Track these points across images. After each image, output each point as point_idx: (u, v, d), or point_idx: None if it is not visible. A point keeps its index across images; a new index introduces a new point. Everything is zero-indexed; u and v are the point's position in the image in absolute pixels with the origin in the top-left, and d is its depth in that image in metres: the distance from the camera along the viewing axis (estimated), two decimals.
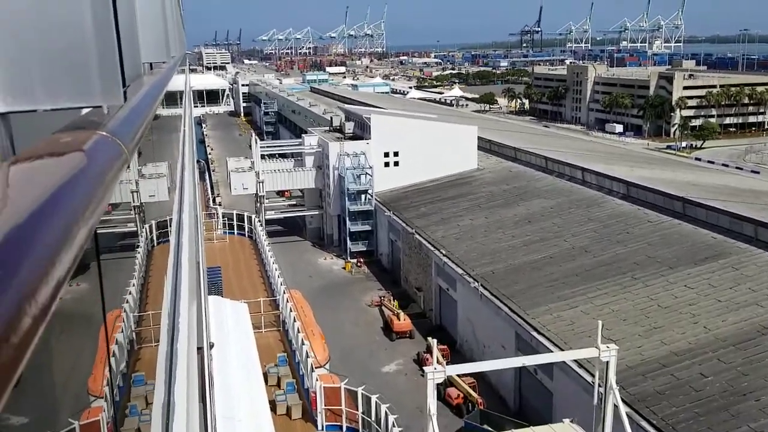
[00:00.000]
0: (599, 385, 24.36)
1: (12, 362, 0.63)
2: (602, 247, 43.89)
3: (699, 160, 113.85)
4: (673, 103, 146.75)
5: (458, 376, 36.74)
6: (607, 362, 25.26)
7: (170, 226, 7.85)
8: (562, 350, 32.05)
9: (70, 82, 1.53)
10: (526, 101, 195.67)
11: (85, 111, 2.17)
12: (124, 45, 1.70)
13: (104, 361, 3.01)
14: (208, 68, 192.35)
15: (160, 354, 4.75)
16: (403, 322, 48.06)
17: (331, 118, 75.88)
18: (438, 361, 25.36)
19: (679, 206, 45.97)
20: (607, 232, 46.05)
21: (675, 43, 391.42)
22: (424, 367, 29.27)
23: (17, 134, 1.50)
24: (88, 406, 2.68)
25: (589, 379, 29.43)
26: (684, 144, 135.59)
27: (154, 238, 7.71)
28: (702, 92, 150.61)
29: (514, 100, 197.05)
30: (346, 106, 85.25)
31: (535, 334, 35.31)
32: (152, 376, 4.83)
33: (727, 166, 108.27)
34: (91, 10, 1.50)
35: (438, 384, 25.37)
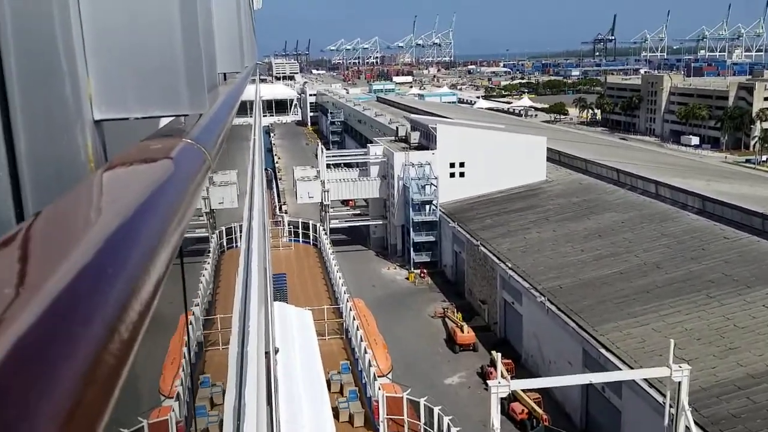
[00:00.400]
0: (670, 406, 23.50)
1: (117, 366, 0.66)
2: (676, 264, 42.35)
3: None
4: (754, 114, 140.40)
5: (523, 391, 36.07)
6: (680, 382, 24.35)
7: (239, 232, 8.02)
8: (632, 368, 31.10)
9: (160, 92, 1.61)
10: (598, 111, 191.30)
11: (170, 119, 2.26)
12: (204, 56, 1.76)
13: (174, 363, 3.07)
14: (277, 78, 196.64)
15: (231, 356, 4.84)
16: (466, 334, 47.59)
17: (397, 128, 76.19)
18: (502, 375, 25.01)
19: (758, 222, 43.90)
20: (681, 248, 44.41)
21: (756, 52, 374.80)
22: (488, 381, 28.92)
23: (109, 141, 1.59)
24: (158, 405, 2.73)
25: (659, 399, 28.43)
26: (765, 157, 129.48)
27: (224, 243, 7.88)
28: None
29: (585, 111, 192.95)
30: (412, 115, 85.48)
31: (603, 351, 34.35)
32: (218, 379, 4.92)
33: None
34: (180, 24, 1.58)
35: (502, 398, 25.00)
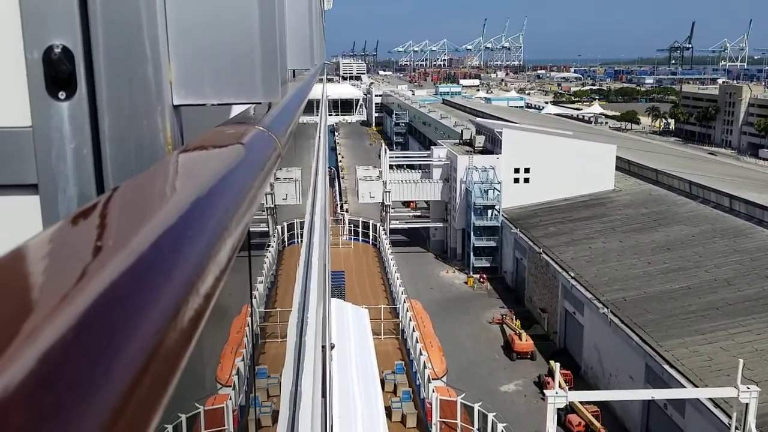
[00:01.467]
0: (736, 428, 22.60)
1: (179, 351, 0.66)
2: (748, 281, 40.65)
3: None
4: None
5: (581, 403, 35.30)
6: (747, 404, 23.41)
7: (301, 228, 8.16)
8: (697, 387, 30.03)
9: (235, 80, 1.69)
10: (672, 121, 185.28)
11: (244, 108, 2.35)
12: (277, 50, 1.83)
13: (233, 352, 3.16)
14: (344, 78, 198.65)
15: (289, 346, 4.94)
16: (524, 342, 46.91)
17: (462, 131, 75.77)
18: (560, 386, 24.58)
19: None
20: (755, 265, 42.57)
21: None
22: (545, 390, 28.46)
23: (186, 125, 1.67)
24: (215, 393, 2.82)
25: (725, 420, 27.37)
26: None
27: (285, 239, 8.03)
28: None
29: (658, 120, 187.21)
30: (478, 119, 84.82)
31: (667, 367, 33.29)
32: (274, 371, 5.03)
33: None
34: (258, 17, 1.67)
35: (559, 409, 24.56)
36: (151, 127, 1.41)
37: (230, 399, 3.10)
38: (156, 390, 0.58)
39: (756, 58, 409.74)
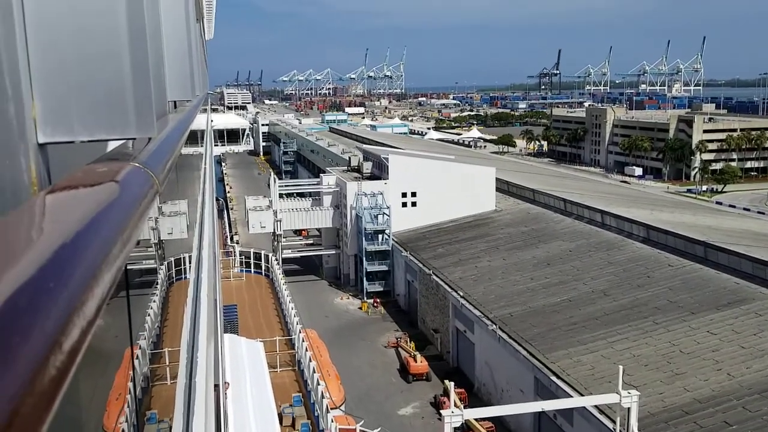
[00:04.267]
0: None
1: (47, 400, 0.62)
2: (622, 291, 43.29)
3: (720, 204, 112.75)
4: (694, 146, 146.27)
5: (476, 420, 36.03)
6: (629, 408, 24.70)
7: (189, 263, 7.87)
8: (583, 395, 31.42)
9: (106, 115, 1.59)
10: (545, 143, 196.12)
11: (118, 143, 2.22)
12: (153, 82, 1.74)
13: (120, 398, 2.97)
14: (230, 108, 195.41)
15: (179, 388, 4.70)
16: (419, 364, 47.45)
17: (350, 158, 76.49)
18: (455, 405, 24.95)
19: (700, 250, 45.37)
20: (627, 275, 45.46)
21: (694, 86, 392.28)
22: (441, 411, 28.78)
23: (53, 164, 1.56)
24: None
25: (609, 425, 28.78)
26: (704, 188, 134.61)
27: (173, 275, 7.71)
28: (722, 136, 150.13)
29: (532, 142, 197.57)
30: (365, 146, 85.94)
31: (554, 378, 34.66)
32: (165, 415, 4.77)
33: (748, 210, 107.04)
34: (128, 48, 1.57)
35: (455, 428, 24.89)
36: (13, 167, 1.30)
37: None
38: None
39: (617, 82, 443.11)
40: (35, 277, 0.77)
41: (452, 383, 27.83)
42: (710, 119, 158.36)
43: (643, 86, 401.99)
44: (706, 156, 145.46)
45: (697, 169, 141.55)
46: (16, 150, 1.31)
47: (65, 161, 1.70)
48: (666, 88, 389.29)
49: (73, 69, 1.50)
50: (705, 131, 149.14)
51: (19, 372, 0.59)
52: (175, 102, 5.66)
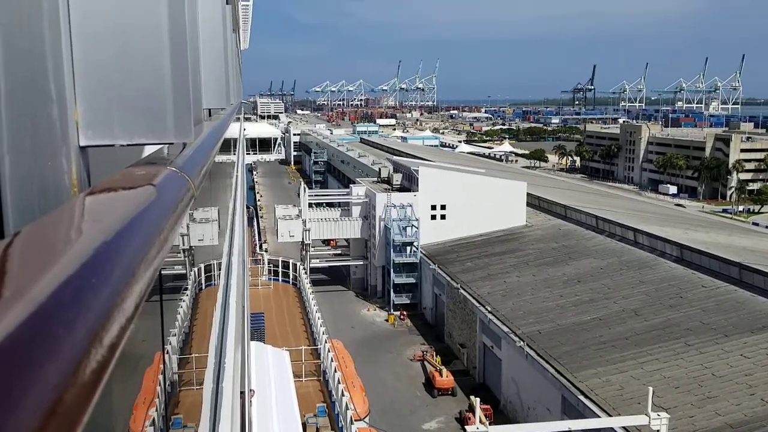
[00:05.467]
0: None
1: (81, 407, 0.63)
2: (654, 311, 42.55)
3: (756, 225, 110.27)
4: (730, 165, 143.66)
5: None
6: (658, 430, 24.22)
7: (218, 270, 7.94)
8: (611, 416, 30.90)
9: (146, 120, 1.63)
10: (578, 159, 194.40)
11: (156, 148, 2.27)
12: (191, 90, 1.79)
13: (146, 402, 3.01)
14: (262, 117, 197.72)
15: (206, 394, 4.75)
16: (445, 378, 47.13)
17: (380, 169, 76.66)
18: (480, 421, 24.72)
19: (735, 272, 44.41)
20: (659, 295, 44.69)
21: (732, 104, 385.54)
22: (466, 426, 28.55)
23: (92, 167, 1.59)
24: None
25: None
26: (741, 208, 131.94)
27: (202, 281, 7.78)
28: (760, 155, 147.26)
29: (564, 158, 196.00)
30: (395, 157, 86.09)
31: (582, 397, 34.15)
32: (190, 420, 4.81)
33: None
34: (169, 57, 1.61)
35: None
36: (55, 169, 1.34)
37: None
38: None
39: (653, 99, 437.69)
40: (79, 272, 0.79)
41: (478, 399, 27.61)
42: (748, 138, 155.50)
43: (680, 103, 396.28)
44: (743, 176, 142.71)
45: (733, 189, 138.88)
46: (59, 152, 1.35)
47: (103, 164, 1.75)
48: (703, 105, 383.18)
49: (115, 75, 1.55)
50: (742, 150, 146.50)
51: (62, 362, 0.61)
52: (210, 110, 5.76)
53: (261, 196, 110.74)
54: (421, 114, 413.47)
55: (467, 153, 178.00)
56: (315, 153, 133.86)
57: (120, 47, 1.56)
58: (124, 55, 1.57)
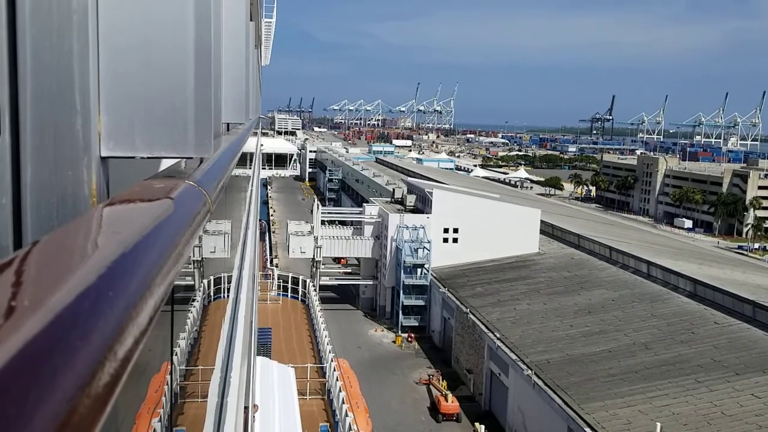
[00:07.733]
0: None
1: (93, 418, 0.64)
2: (665, 346, 42.04)
3: None
4: (747, 202, 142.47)
5: None
6: None
7: (228, 282, 7.96)
8: None
9: (167, 134, 1.66)
10: (593, 188, 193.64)
11: (175, 161, 2.30)
12: (212, 105, 1.82)
13: (149, 412, 3.01)
14: (279, 132, 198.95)
15: (210, 407, 4.74)
16: (450, 403, 46.69)
17: (394, 189, 76.78)
18: None
19: (749, 310, 43.85)
20: (671, 330, 44.18)
21: (751, 141, 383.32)
22: None
23: (111, 178, 1.62)
24: None
25: None
26: (757, 245, 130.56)
27: (212, 293, 7.81)
28: None
29: (580, 186, 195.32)
30: (409, 179, 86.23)
31: (588, 430, 33.69)
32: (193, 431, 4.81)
33: None
34: (193, 72, 1.64)
35: None
36: (75, 178, 1.36)
37: None
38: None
39: (671, 131, 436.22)
40: (96, 284, 0.80)
41: (483, 426, 27.34)
42: (766, 175, 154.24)
43: (698, 138, 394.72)
44: (761, 213, 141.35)
45: (749, 226, 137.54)
46: (80, 162, 1.37)
47: (121, 176, 1.77)
48: (722, 140, 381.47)
49: (139, 88, 1.58)
50: (760, 187, 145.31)
51: (78, 372, 0.62)
52: (228, 124, 5.82)
53: (274, 211, 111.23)
54: (438, 136, 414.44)
55: (482, 177, 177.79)
56: (330, 171, 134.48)
57: (145, 62, 1.59)
58: (149, 70, 1.60)
